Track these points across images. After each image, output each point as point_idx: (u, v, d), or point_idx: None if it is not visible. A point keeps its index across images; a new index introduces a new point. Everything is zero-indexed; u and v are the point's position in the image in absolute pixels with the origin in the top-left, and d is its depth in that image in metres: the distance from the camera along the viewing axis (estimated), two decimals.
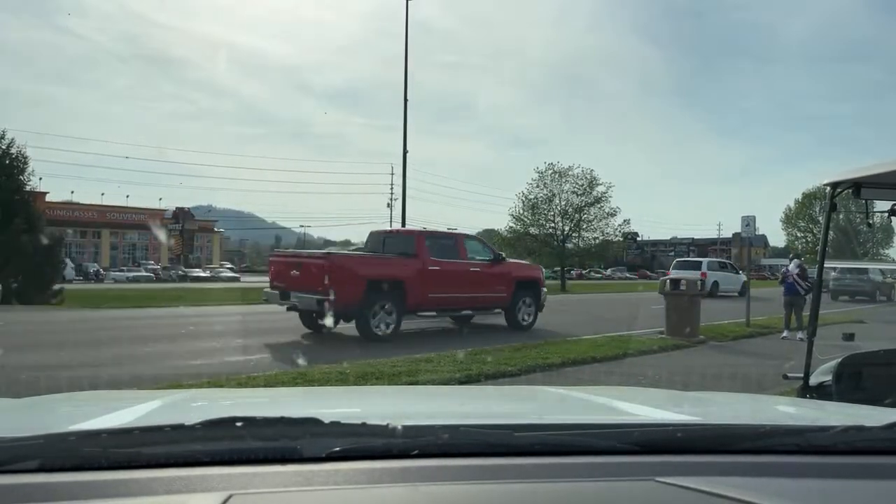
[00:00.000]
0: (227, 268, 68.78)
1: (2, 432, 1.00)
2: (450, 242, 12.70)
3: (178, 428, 1.00)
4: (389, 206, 64.00)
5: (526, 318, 12.90)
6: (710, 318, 13.47)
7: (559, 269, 39.16)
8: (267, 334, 11.31)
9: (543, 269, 15.82)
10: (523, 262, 15.88)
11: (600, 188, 37.55)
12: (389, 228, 14.25)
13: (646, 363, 8.92)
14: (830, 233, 4.11)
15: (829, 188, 3.64)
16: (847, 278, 28.10)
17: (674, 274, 27.03)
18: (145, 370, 7.69)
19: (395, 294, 10.82)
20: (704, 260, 25.66)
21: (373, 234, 13.52)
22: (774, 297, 18.61)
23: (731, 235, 17.34)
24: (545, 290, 13.80)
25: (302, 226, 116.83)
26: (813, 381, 3.61)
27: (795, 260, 13.39)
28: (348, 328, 11.28)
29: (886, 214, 3.71)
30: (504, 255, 14.04)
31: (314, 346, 10.55)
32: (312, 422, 1.04)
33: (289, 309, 11.42)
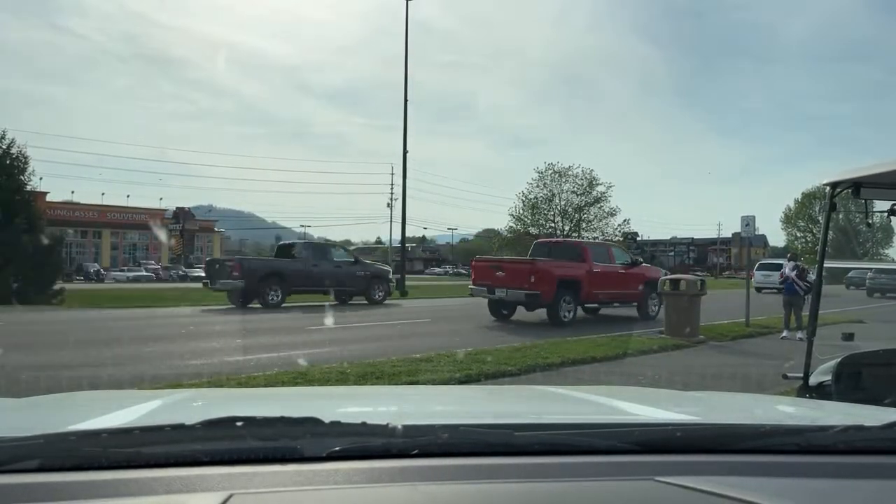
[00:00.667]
0: None
1: (2, 432, 1.00)
2: (602, 249, 16.17)
3: (178, 428, 1.00)
4: (389, 206, 64.09)
5: (653, 309, 15.70)
6: (709, 317, 13.46)
7: None
8: (467, 322, 14.43)
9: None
10: (650, 265, 19.25)
11: (600, 188, 37.64)
12: (555, 238, 17.75)
13: (645, 363, 8.92)
14: (830, 233, 4.11)
15: (828, 188, 3.65)
16: (881, 277, 32.78)
17: (758, 275, 30.70)
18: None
19: (574, 290, 14.11)
20: (785, 262, 27.92)
21: (538, 244, 17.25)
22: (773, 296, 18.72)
23: (730, 235, 17.33)
24: None
25: (302, 225, 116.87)
26: (812, 380, 3.61)
27: (791, 262, 13.36)
28: (525, 315, 14.61)
29: (886, 214, 3.71)
30: (640, 259, 17.32)
31: (515, 328, 13.37)
32: (312, 421, 1.03)
33: (495, 301, 14.66)
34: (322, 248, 20.71)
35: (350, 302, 19.04)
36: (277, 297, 17.29)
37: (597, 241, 20.68)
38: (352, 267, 19.21)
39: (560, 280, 13.80)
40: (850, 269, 41.58)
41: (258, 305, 17.05)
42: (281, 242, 23.46)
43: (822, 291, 4.03)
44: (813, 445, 1.08)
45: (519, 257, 16.45)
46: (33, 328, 12.97)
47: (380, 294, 19.64)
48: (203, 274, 21.35)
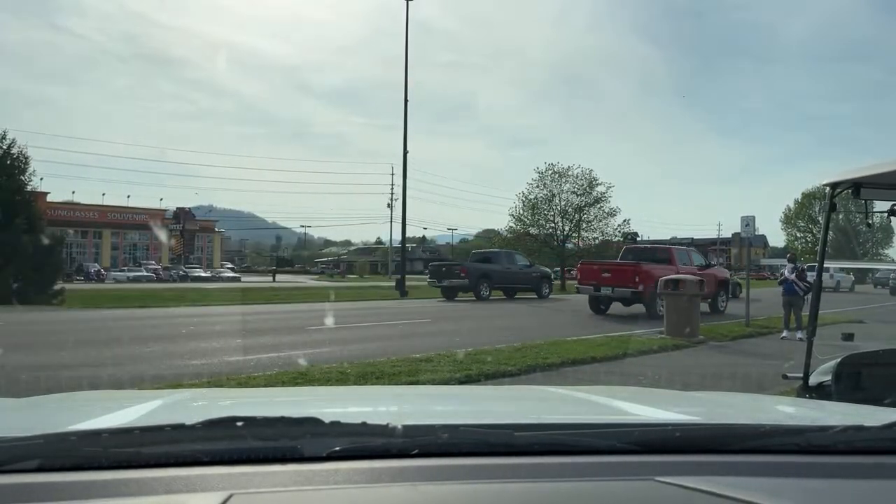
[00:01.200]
0: (228, 268, 68.95)
1: (2, 432, 1.00)
2: (684, 253, 18.63)
3: (179, 428, 1.00)
4: (390, 206, 64.23)
5: (722, 304, 18.20)
6: (709, 317, 13.46)
7: (559, 269, 39.16)
8: (563, 314, 18.16)
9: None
10: (722, 267, 22.30)
11: (600, 188, 37.59)
12: (645, 245, 21.45)
13: (645, 363, 8.91)
14: (830, 233, 4.10)
15: (828, 188, 3.64)
16: None
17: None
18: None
19: None
20: (830, 264, 32.63)
21: (628, 249, 20.29)
22: (772, 296, 18.90)
23: (730, 235, 17.50)
24: (739, 285, 20.56)
25: (302, 226, 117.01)
26: (812, 380, 3.61)
27: (789, 265, 13.36)
28: (620, 310, 17.51)
29: (886, 214, 3.71)
30: (715, 262, 20.61)
31: (617, 320, 15.86)
32: (313, 421, 1.03)
33: (604, 298, 17.66)
34: (510, 255, 25.98)
35: (516, 296, 24.10)
36: (487, 292, 23.26)
37: (681, 245, 25.01)
38: (528, 269, 25.00)
39: (657, 280, 15.86)
40: (877, 270, 45.35)
41: (470, 298, 22.68)
42: (476, 251, 29.87)
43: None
44: (813, 445, 1.08)
45: (623, 261, 18.71)
46: (34, 328, 12.97)
47: (546, 290, 24.80)
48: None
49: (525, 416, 1.61)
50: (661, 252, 18.84)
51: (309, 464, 0.95)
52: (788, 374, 4.20)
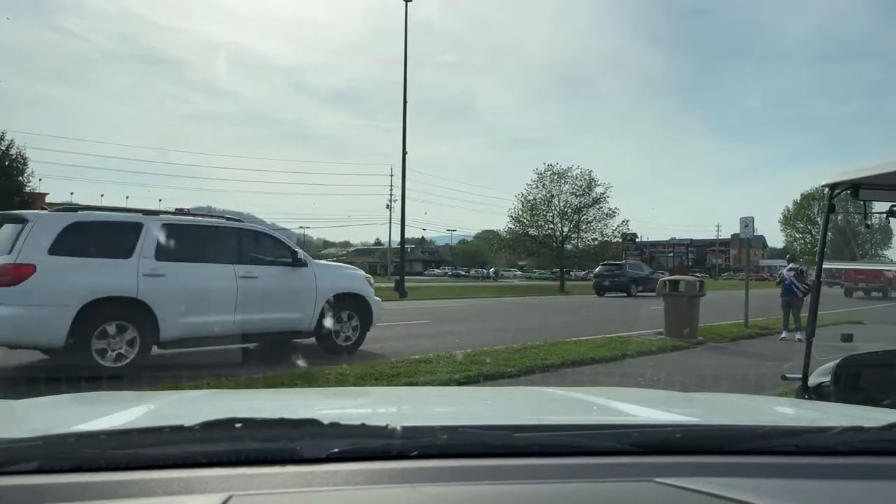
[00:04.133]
0: None
1: (1, 433, 1.00)
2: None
3: (177, 429, 1.00)
4: (389, 207, 64.15)
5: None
6: (709, 318, 13.46)
7: (558, 270, 39.19)
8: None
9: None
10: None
11: (599, 189, 37.66)
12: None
13: (645, 364, 8.91)
14: (829, 233, 4.10)
15: (827, 189, 3.65)
16: None
17: None
18: None
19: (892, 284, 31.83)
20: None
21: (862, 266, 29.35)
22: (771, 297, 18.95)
23: (729, 236, 17.45)
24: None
25: (301, 227, 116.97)
26: (812, 381, 3.61)
27: (789, 264, 13.37)
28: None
29: (885, 215, 3.71)
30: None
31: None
32: (312, 423, 1.03)
33: (854, 289, 32.05)
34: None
35: None
36: None
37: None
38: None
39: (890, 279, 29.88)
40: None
41: None
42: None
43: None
44: (812, 447, 1.08)
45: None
46: None
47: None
48: None
49: (524, 417, 1.61)
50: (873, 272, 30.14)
51: (308, 465, 0.95)
52: (787, 375, 4.19)
